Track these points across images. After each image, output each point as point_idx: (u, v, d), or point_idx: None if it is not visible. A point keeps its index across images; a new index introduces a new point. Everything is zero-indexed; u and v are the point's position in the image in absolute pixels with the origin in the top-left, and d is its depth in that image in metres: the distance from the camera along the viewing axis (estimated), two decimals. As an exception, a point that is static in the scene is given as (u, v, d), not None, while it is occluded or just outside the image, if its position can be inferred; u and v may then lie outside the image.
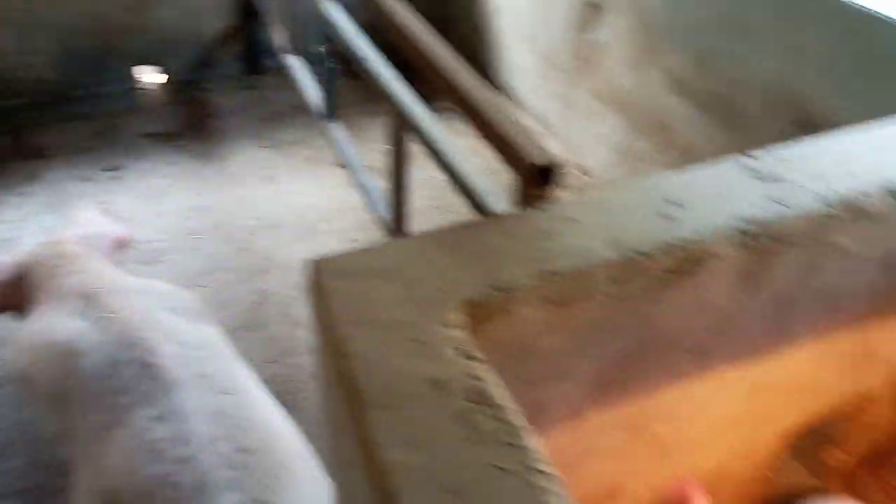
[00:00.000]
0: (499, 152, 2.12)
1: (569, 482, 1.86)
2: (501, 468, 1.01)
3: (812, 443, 2.63)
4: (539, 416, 1.54)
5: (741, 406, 1.96)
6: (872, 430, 2.48)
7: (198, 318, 2.26)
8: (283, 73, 5.23)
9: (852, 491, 2.59)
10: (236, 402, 1.92)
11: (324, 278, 1.29)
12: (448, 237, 1.41)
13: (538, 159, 1.86)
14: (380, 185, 3.91)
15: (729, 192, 1.57)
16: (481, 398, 1.12)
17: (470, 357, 1.19)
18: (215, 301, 3.93)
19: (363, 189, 4.03)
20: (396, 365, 1.15)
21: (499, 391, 1.15)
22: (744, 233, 1.48)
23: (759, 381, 1.92)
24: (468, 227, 1.45)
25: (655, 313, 1.51)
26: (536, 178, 1.66)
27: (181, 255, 4.04)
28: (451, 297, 1.29)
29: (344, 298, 1.25)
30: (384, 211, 3.69)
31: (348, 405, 1.10)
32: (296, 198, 4.66)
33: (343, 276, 1.30)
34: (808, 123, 3.72)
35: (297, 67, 5.04)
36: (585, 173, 5.47)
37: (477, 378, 1.15)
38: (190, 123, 5.64)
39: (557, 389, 1.52)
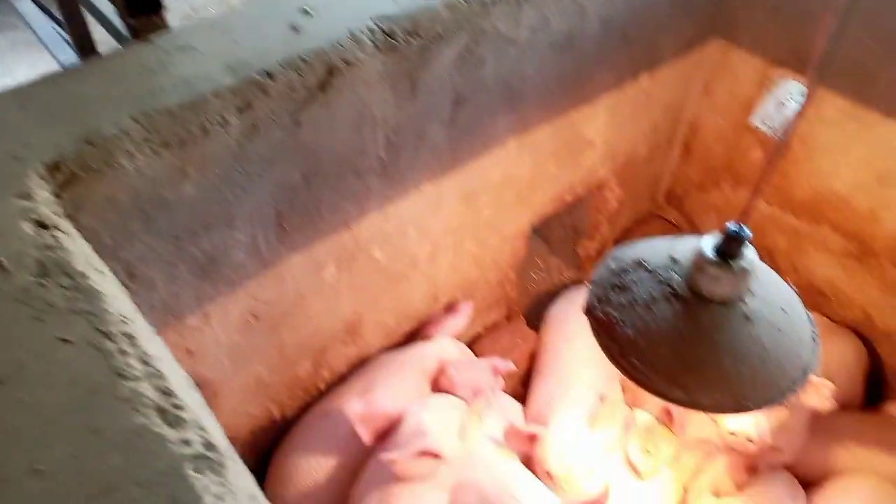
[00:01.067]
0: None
1: (297, 328, 1.82)
2: (66, 340, 0.89)
3: (562, 237, 2.77)
4: (216, 267, 1.44)
5: (462, 215, 1.96)
6: (612, 215, 2.63)
7: None
8: None
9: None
10: None
11: None
12: (25, 93, 1.19)
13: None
14: None
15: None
16: (54, 270, 0.98)
17: (47, 227, 1.03)
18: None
19: None
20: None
21: (82, 258, 1.01)
22: (379, 32, 1.37)
23: (470, 188, 1.92)
24: (52, 77, 1.24)
25: (308, 137, 1.40)
26: (134, 4, 1.37)
27: None
28: (29, 162, 1.10)
29: None
30: None
31: None
32: None
33: None
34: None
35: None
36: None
37: (51, 249, 1.00)
38: None
39: (226, 236, 1.41)
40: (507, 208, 2.11)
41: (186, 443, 0.83)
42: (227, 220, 1.39)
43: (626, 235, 2.79)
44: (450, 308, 2.17)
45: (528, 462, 2.00)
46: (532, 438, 1.96)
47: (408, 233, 1.85)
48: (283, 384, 1.85)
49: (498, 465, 1.88)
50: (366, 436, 1.70)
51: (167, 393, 0.87)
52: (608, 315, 1.50)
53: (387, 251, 1.84)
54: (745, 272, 1.39)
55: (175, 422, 0.85)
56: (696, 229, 2.68)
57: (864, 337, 2.33)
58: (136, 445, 0.81)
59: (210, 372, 1.60)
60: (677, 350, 1.41)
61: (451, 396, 1.87)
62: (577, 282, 2.67)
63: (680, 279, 1.45)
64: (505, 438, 1.96)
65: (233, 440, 1.81)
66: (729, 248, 1.38)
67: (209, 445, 0.85)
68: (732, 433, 2.00)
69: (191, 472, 0.81)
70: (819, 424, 2.14)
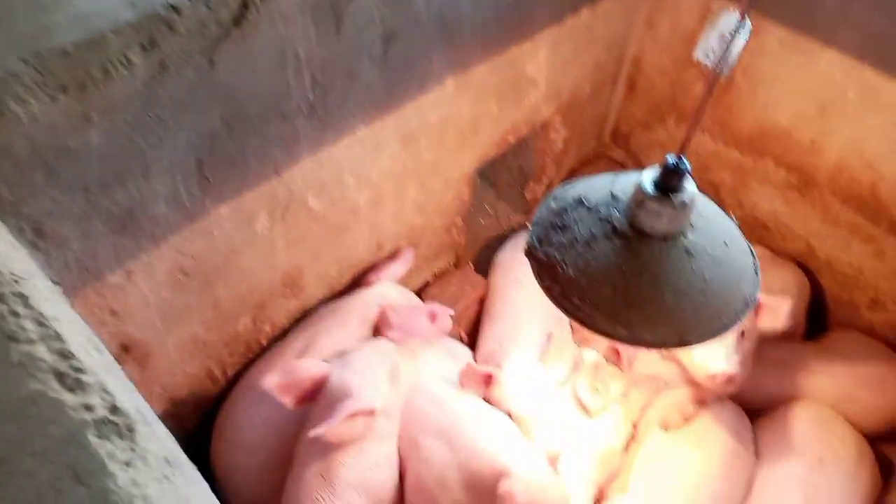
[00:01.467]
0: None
1: (232, 283, 1.75)
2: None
3: (509, 181, 2.72)
4: (135, 221, 1.35)
5: (401, 159, 1.89)
6: (558, 156, 2.58)
7: None
8: None
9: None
10: None
11: None
12: None
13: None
14: None
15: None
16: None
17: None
18: None
19: None
20: None
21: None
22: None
23: (408, 131, 1.84)
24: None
25: (225, 78, 1.30)
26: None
27: None
28: None
29: None
30: None
31: None
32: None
33: None
34: None
35: None
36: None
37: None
38: None
39: (143, 188, 1.32)
40: (450, 151, 2.04)
41: (88, 408, 0.77)
42: (143, 171, 1.30)
43: (572, 177, 2.75)
44: (393, 255, 2.12)
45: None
46: (488, 379, 1.95)
47: (345, 180, 1.78)
48: (222, 342, 1.78)
49: (451, 403, 1.87)
50: (290, 403, 1.64)
51: (66, 356, 0.80)
52: (549, 256, 1.46)
53: (323, 200, 1.76)
54: (685, 206, 1.36)
55: (75, 386, 0.78)
56: (641, 166, 2.65)
57: (806, 268, 2.36)
58: (30, 413, 0.75)
59: (140, 332, 1.53)
60: (619, 288, 1.38)
61: (374, 343, 1.82)
62: (525, 226, 2.64)
63: (620, 216, 1.42)
64: (460, 380, 1.94)
65: (173, 401, 1.77)
66: (669, 182, 1.34)
67: (114, 409, 0.79)
68: (711, 376, 1.96)
69: (93, 439, 0.75)
70: (763, 354, 2.17)
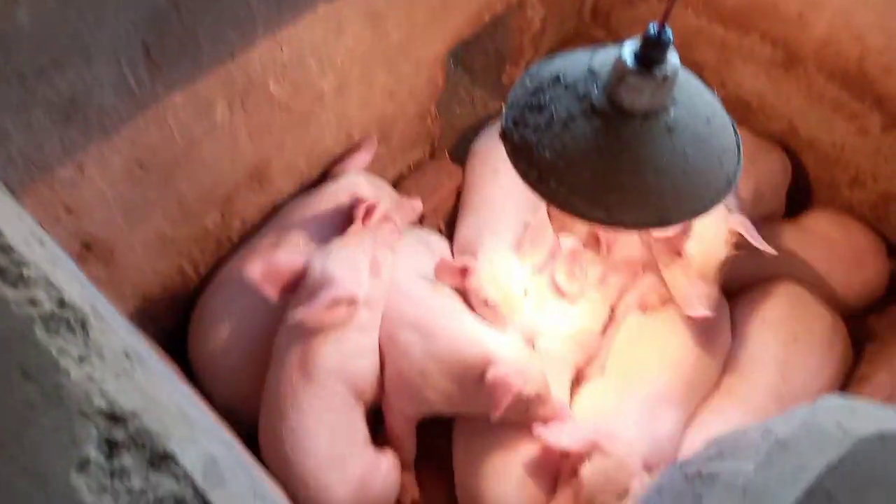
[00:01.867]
0: None
1: (194, 177, 1.67)
2: None
3: (485, 65, 2.60)
4: (80, 111, 1.26)
5: (368, 40, 1.77)
6: (535, 36, 2.46)
7: None
8: None
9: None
10: None
11: None
12: None
13: None
14: None
15: None
16: None
17: None
18: None
19: None
20: None
21: None
22: None
23: (373, 7, 1.71)
24: None
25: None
26: None
27: None
28: None
29: None
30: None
31: None
32: None
33: None
34: None
35: None
36: None
37: None
38: None
39: (85, 74, 1.22)
40: (420, 30, 1.92)
41: (33, 302, 0.73)
42: (83, 55, 1.20)
43: (551, 59, 2.63)
44: (356, 145, 2.03)
45: (464, 297, 1.99)
46: (464, 271, 1.92)
47: (307, 63, 1.67)
48: (191, 238, 1.73)
49: (426, 297, 1.86)
50: (273, 295, 1.62)
51: (4, 249, 0.75)
52: (524, 138, 1.39)
53: (285, 86, 1.66)
54: (667, 79, 1.28)
55: (17, 281, 0.73)
56: (623, 48, 2.55)
57: (788, 148, 2.32)
58: (-32, 310, 0.70)
59: (100, 230, 1.46)
60: (597, 169, 1.33)
61: (353, 236, 1.79)
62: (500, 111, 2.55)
63: (599, 93, 1.34)
64: (436, 274, 1.92)
65: (146, 299, 1.73)
66: (650, 54, 1.27)
67: (62, 303, 0.74)
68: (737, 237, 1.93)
69: (41, 334, 0.71)
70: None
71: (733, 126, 1.46)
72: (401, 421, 1.85)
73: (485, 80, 2.61)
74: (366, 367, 1.76)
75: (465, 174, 2.29)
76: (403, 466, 1.85)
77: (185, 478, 0.69)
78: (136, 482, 0.67)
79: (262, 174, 1.80)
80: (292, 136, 1.80)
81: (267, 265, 1.62)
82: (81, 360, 0.72)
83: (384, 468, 1.75)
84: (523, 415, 1.71)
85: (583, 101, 1.34)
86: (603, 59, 1.39)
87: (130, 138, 1.39)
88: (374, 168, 2.08)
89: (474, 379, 1.70)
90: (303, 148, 1.86)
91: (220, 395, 1.74)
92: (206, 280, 1.84)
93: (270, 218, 1.91)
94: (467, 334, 1.76)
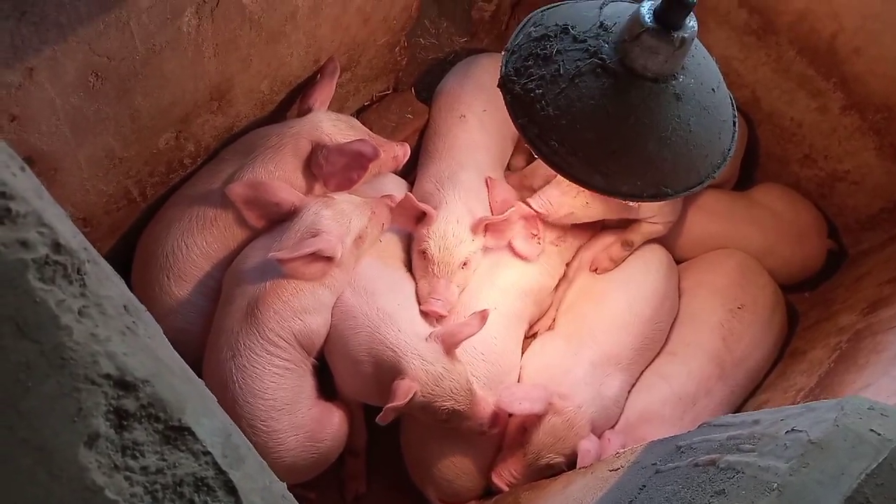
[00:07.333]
0: None
1: (152, 91, 1.51)
2: None
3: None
4: (35, 5, 1.09)
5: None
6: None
7: None
8: None
9: (500, 40, 2.56)
10: None
11: None
12: None
13: None
14: None
15: None
16: None
17: None
18: None
19: None
20: None
21: None
22: None
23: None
24: None
25: None
26: None
27: None
28: None
29: None
30: None
31: None
32: None
33: None
34: None
35: None
36: None
37: None
38: None
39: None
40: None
41: (24, 244, 0.61)
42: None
43: (525, -1, 2.53)
44: (320, 70, 1.87)
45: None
46: (421, 216, 1.86)
47: (285, -20, 1.52)
48: (141, 159, 1.57)
49: (376, 278, 1.78)
50: (254, 220, 1.52)
51: (-15, 177, 0.62)
52: (527, 90, 1.32)
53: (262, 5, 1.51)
54: (684, 44, 1.24)
55: (4, 216, 0.62)
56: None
57: (747, 118, 2.35)
58: (-53, 250, 0.58)
59: (46, 143, 1.30)
60: (602, 132, 1.28)
61: (356, 200, 1.70)
62: (470, 50, 2.44)
63: (610, 50, 1.28)
64: (396, 209, 1.83)
65: (85, 222, 1.57)
66: (671, 16, 1.21)
67: (57, 247, 0.63)
68: None
69: (36, 283, 0.60)
70: (692, 201, 2.20)
71: (731, 99, 1.45)
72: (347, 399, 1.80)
73: (453, 12, 2.48)
74: (317, 323, 1.67)
75: (430, 115, 2.18)
76: (354, 452, 1.84)
77: (204, 455, 0.61)
78: (151, 460, 0.59)
79: (223, 94, 1.64)
80: (259, 56, 1.64)
81: (251, 189, 1.53)
82: (82, 314, 0.62)
83: (336, 422, 1.71)
84: (448, 424, 1.68)
85: (593, 58, 1.27)
86: (616, 13, 1.32)
87: (88, 42, 1.22)
88: (337, 96, 1.94)
89: (385, 380, 1.65)
90: (269, 69, 1.71)
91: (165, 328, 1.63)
92: (152, 205, 1.69)
93: (225, 143, 1.77)
94: (392, 340, 1.67)
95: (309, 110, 1.78)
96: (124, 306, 0.68)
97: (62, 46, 1.18)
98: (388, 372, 1.65)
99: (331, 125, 1.79)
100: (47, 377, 0.57)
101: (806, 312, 2.23)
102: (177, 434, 0.61)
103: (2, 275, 0.59)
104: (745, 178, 2.42)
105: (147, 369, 0.62)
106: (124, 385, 0.60)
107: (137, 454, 0.59)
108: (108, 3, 1.20)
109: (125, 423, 0.59)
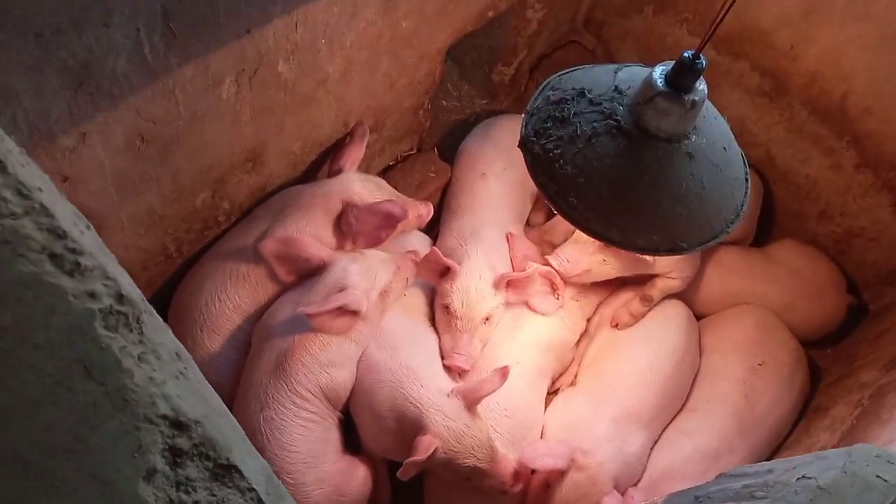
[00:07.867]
0: None
1: (192, 153, 1.60)
2: None
3: (476, 60, 2.59)
4: (92, 76, 1.18)
5: (379, 26, 1.72)
6: (530, 38, 2.46)
7: None
8: None
9: (519, 102, 2.66)
10: None
11: None
12: None
13: None
14: None
15: None
16: None
17: None
18: None
19: None
20: None
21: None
22: None
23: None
24: None
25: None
26: None
27: None
28: None
29: None
30: None
31: None
32: None
33: None
34: None
35: None
36: None
37: None
38: None
39: (102, 37, 1.14)
40: (428, 22, 1.89)
41: (92, 295, 0.67)
42: (103, 17, 1.12)
43: (542, 62, 2.64)
44: (350, 133, 1.96)
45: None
46: (446, 271, 1.91)
47: (318, 45, 1.62)
48: (179, 217, 1.65)
49: (402, 331, 1.82)
50: (284, 275, 1.58)
51: (58, 234, 0.69)
52: (547, 151, 1.39)
53: (293, 66, 1.60)
54: (695, 106, 1.30)
55: (74, 270, 0.68)
56: (611, 56, 2.58)
57: (762, 176, 2.40)
58: (24, 299, 0.64)
59: (94, 202, 1.38)
60: (617, 189, 1.34)
61: (382, 256, 1.77)
62: (491, 112, 2.54)
63: (625, 112, 1.35)
64: (421, 263, 1.89)
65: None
66: (682, 79, 1.28)
67: (120, 297, 0.69)
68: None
69: (102, 331, 0.66)
70: (712, 257, 2.23)
71: (743, 157, 1.50)
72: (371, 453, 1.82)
73: (473, 75, 2.59)
74: (343, 376, 1.71)
75: (452, 173, 2.26)
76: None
77: (249, 491, 0.66)
78: (203, 495, 0.63)
79: (258, 156, 1.73)
80: (292, 119, 1.74)
81: (283, 245, 1.59)
82: (141, 359, 0.67)
83: (361, 476, 1.73)
84: (470, 482, 1.70)
85: (608, 120, 1.34)
86: (629, 78, 1.40)
87: (137, 108, 1.31)
88: (364, 156, 2.02)
89: (408, 435, 1.67)
90: (301, 132, 1.80)
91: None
92: (187, 261, 1.77)
93: (258, 202, 1.85)
94: (415, 395, 1.69)
95: (339, 171, 1.86)
96: (176, 353, 0.73)
97: (113, 113, 1.27)
98: (410, 427, 1.67)
99: (361, 186, 1.86)
100: (111, 416, 0.62)
101: (828, 368, 2.23)
102: (225, 472, 0.66)
103: (72, 322, 0.65)
104: (763, 235, 2.46)
105: (198, 411, 0.67)
106: (179, 425, 0.65)
107: (190, 489, 0.63)
108: (155, 74, 1.29)
109: (179, 460, 0.64)
